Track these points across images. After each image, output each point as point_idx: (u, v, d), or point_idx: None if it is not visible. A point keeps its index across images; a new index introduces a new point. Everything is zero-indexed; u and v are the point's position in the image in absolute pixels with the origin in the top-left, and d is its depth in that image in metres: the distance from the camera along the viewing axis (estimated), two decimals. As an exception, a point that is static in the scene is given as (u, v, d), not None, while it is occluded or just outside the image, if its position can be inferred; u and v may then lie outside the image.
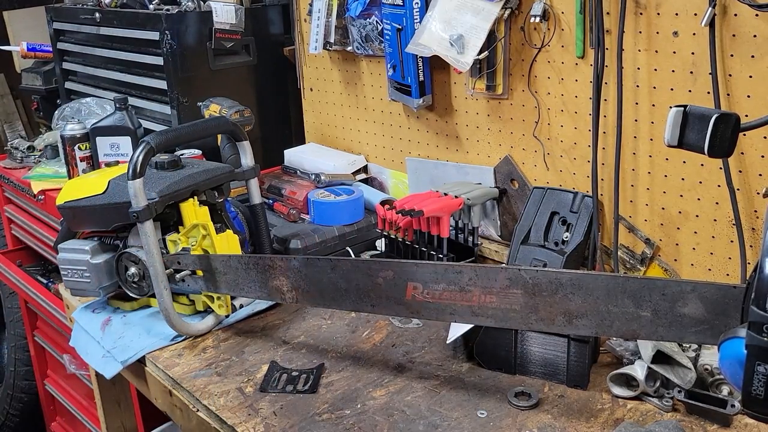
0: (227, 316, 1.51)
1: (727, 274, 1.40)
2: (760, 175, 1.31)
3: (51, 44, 2.73)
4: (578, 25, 1.50)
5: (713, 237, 1.40)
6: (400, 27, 1.77)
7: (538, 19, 1.53)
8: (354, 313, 1.53)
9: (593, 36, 1.46)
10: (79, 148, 2.12)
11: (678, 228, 1.46)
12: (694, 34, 1.33)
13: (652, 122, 1.44)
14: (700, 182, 1.40)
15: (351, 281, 1.23)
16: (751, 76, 1.28)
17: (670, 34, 1.37)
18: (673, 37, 1.36)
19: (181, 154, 1.83)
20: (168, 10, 2.16)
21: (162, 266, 1.40)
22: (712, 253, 1.42)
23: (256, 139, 2.16)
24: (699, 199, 1.41)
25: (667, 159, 1.44)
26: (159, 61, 2.19)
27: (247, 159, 1.61)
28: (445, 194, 1.68)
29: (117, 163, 2.03)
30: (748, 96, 1.29)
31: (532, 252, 1.59)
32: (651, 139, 1.45)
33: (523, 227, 1.62)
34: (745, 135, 1.30)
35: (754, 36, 1.26)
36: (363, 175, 2.08)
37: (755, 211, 1.34)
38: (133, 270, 1.50)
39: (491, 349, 1.31)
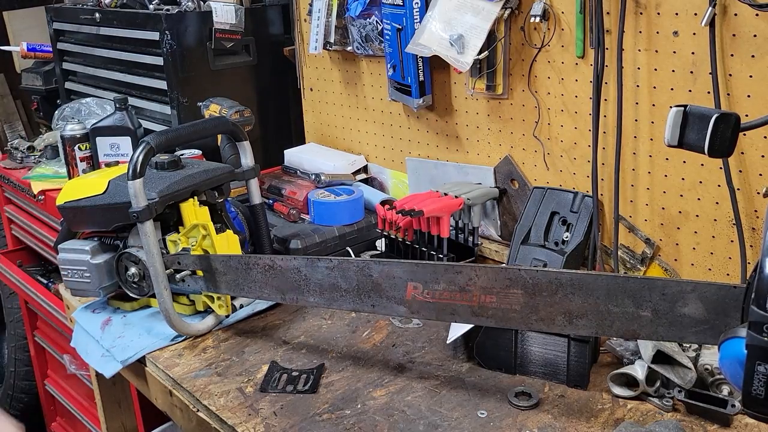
0: (227, 316, 1.51)
1: (728, 274, 1.40)
2: (761, 174, 1.31)
3: (51, 44, 2.73)
4: (578, 25, 1.50)
5: (713, 237, 1.40)
6: (400, 27, 1.77)
7: (538, 19, 1.53)
8: (354, 313, 1.53)
9: (593, 36, 1.46)
10: (79, 148, 2.12)
11: (678, 228, 1.46)
12: (694, 33, 1.33)
13: (652, 122, 1.44)
14: (700, 182, 1.40)
15: (351, 281, 1.23)
16: (751, 76, 1.28)
17: (670, 34, 1.37)
18: (673, 36, 1.36)
19: (181, 154, 1.83)
20: (168, 10, 2.16)
21: (162, 266, 1.40)
22: (712, 253, 1.42)
23: (256, 139, 2.16)
24: (699, 199, 1.41)
25: (667, 159, 1.44)
26: (159, 61, 2.19)
27: (247, 159, 1.61)
28: (445, 194, 1.68)
29: (117, 163, 2.03)
30: (748, 96, 1.29)
31: (532, 252, 1.59)
32: (651, 139, 1.45)
33: (523, 227, 1.62)
34: (745, 135, 1.30)
35: (754, 36, 1.26)
36: (363, 175, 2.08)
37: (755, 211, 1.34)
38: (133, 270, 1.50)
39: (491, 349, 1.31)
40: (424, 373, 1.32)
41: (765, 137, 1.29)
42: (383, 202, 1.79)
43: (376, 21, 1.87)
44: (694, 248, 1.44)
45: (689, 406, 1.16)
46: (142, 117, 2.29)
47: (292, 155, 2.17)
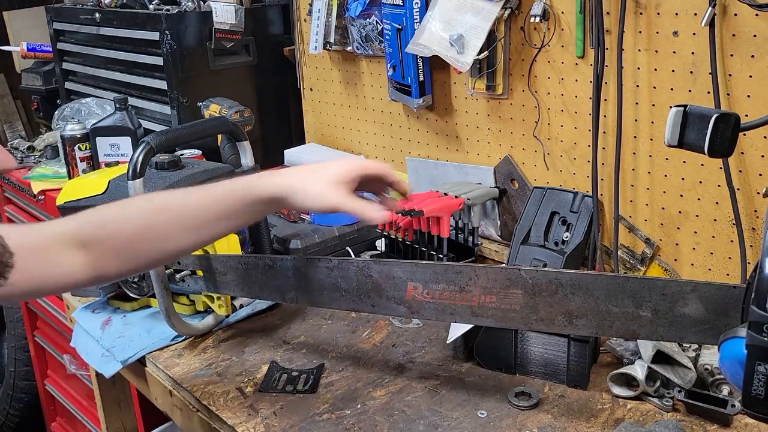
0: (227, 316, 1.51)
1: (727, 274, 1.40)
2: (760, 174, 1.31)
3: (51, 44, 2.73)
4: (578, 25, 1.50)
5: (713, 237, 1.40)
6: (400, 27, 1.77)
7: (538, 19, 1.53)
8: (354, 313, 1.53)
9: (593, 36, 1.46)
10: (79, 149, 2.12)
11: (678, 228, 1.46)
12: (694, 33, 1.33)
13: (652, 122, 1.44)
14: (700, 182, 1.40)
15: (351, 281, 1.22)
16: (751, 76, 1.28)
17: (670, 34, 1.37)
18: (673, 36, 1.36)
19: (181, 154, 1.83)
20: (168, 10, 2.16)
21: (162, 266, 1.40)
22: (712, 253, 1.42)
23: (256, 139, 2.16)
24: (699, 199, 1.41)
25: (667, 159, 1.44)
26: (159, 61, 2.19)
27: (247, 159, 1.61)
28: (445, 194, 1.68)
29: (117, 163, 2.03)
30: (748, 96, 1.29)
31: (532, 252, 1.59)
32: (651, 139, 1.45)
33: (523, 227, 1.62)
34: (745, 135, 1.30)
35: (754, 36, 1.26)
36: (363, 175, 2.08)
37: (755, 211, 1.34)
38: (133, 270, 1.49)
39: (491, 349, 1.31)
40: (424, 373, 1.32)
41: (765, 137, 1.29)
42: (383, 202, 1.79)
43: (376, 21, 1.87)
44: (694, 248, 1.44)
45: (689, 406, 1.16)
46: (142, 117, 2.29)
47: (292, 155, 2.17)
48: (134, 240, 1.05)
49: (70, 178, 2.11)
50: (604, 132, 1.52)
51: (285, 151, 2.20)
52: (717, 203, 1.38)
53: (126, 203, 1.12)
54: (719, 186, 1.36)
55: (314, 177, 1.08)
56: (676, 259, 1.48)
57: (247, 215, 1.12)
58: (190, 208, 1.08)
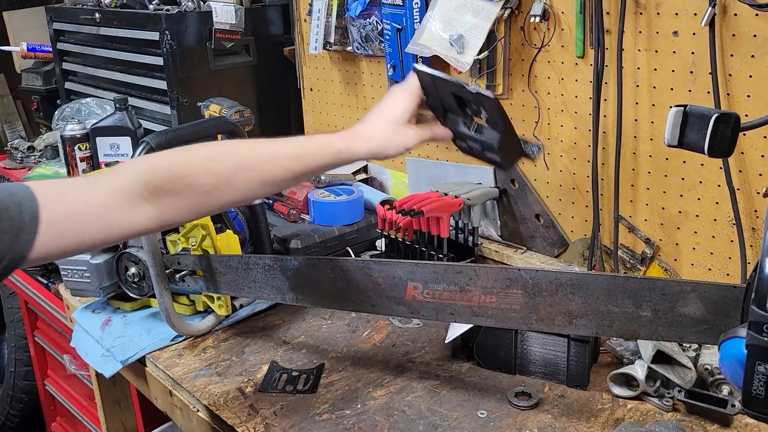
0: (227, 317, 1.51)
1: (727, 274, 1.40)
2: (760, 174, 1.31)
3: (51, 44, 2.73)
4: (578, 25, 1.50)
5: (713, 237, 1.40)
6: (400, 27, 1.77)
7: (538, 19, 1.53)
8: (354, 313, 1.53)
9: (593, 36, 1.46)
10: (79, 149, 2.11)
11: (678, 228, 1.46)
12: (694, 33, 1.33)
13: (652, 122, 1.44)
14: (700, 182, 1.40)
15: (351, 281, 1.23)
16: (751, 76, 1.28)
17: (670, 34, 1.37)
18: (673, 36, 1.36)
19: (181, 154, 1.83)
20: (168, 10, 2.16)
21: (162, 266, 1.40)
22: (712, 253, 1.42)
23: (256, 139, 2.16)
24: (699, 199, 1.41)
25: (667, 159, 1.44)
26: (159, 61, 2.19)
27: (247, 159, 1.61)
28: (445, 194, 1.68)
29: (117, 163, 2.03)
30: (748, 96, 1.29)
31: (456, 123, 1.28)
32: (651, 139, 1.45)
33: (433, 102, 1.23)
34: (745, 135, 1.30)
35: (754, 36, 1.26)
36: (363, 175, 2.08)
37: (755, 211, 1.34)
38: (133, 270, 1.50)
39: (491, 349, 1.31)
40: (424, 373, 1.32)
41: (765, 137, 1.29)
42: (383, 202, 1.79)
43: (376, 21, 1.87)
44: (694, 248, 1.44)
45: (689, 406, 1.16)
46: (142, 117, 2.29)
47: (292, 155, 2.16)
48: (211, 193, 1.06)
49: (70, 178, 2.11)
50: (604, 132, 1.52)
51: (285, 151, 2.19)
52: (717, 203, 1.38)
53: (209, 154, 1.09)
54: (719, 186, 1.36)
55: (386, 135, 1.15)
56: (676, 259, 1.48)
57: (322, 172, 1.18)
58: (276, 169, 1.09)
